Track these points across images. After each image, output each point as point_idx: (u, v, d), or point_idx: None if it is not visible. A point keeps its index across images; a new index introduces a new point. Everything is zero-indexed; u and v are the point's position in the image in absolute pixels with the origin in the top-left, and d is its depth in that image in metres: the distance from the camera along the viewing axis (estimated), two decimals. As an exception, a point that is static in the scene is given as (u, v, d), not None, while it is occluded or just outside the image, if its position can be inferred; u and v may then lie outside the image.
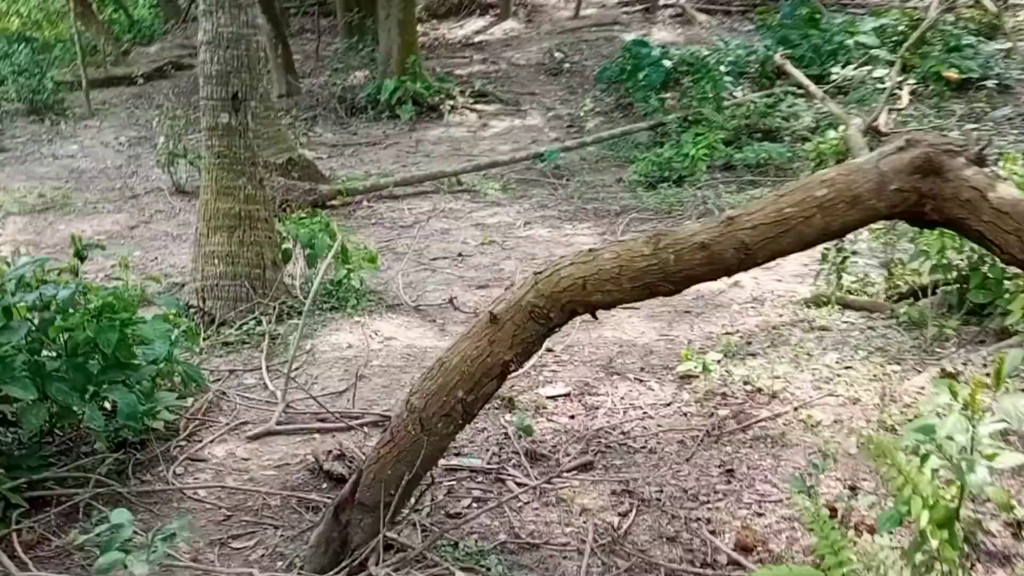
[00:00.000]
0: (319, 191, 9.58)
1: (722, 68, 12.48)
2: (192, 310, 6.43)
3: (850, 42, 12.87)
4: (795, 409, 5.14)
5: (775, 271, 7.48)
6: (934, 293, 6.16)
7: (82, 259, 4.73)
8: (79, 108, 12.91)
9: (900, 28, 12.95)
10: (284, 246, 6.97)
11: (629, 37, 15.64)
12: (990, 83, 11.78)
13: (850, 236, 6.41)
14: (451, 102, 13.13)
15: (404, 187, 10.23)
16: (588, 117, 12.71)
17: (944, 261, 5.91)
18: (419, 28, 14.40)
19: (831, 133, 9.91)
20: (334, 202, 9.73)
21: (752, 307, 6.71)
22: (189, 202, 9.67)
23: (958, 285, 5.98)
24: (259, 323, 6.32)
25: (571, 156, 11.24)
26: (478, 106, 13.28)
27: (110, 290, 4.59)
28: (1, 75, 12.96)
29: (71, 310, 4.30)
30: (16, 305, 4.21)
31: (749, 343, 6.06)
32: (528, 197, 10.16)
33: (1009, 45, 12.49)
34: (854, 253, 6.61)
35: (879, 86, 11.67)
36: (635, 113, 12.74)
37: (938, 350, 5.54)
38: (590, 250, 3.27)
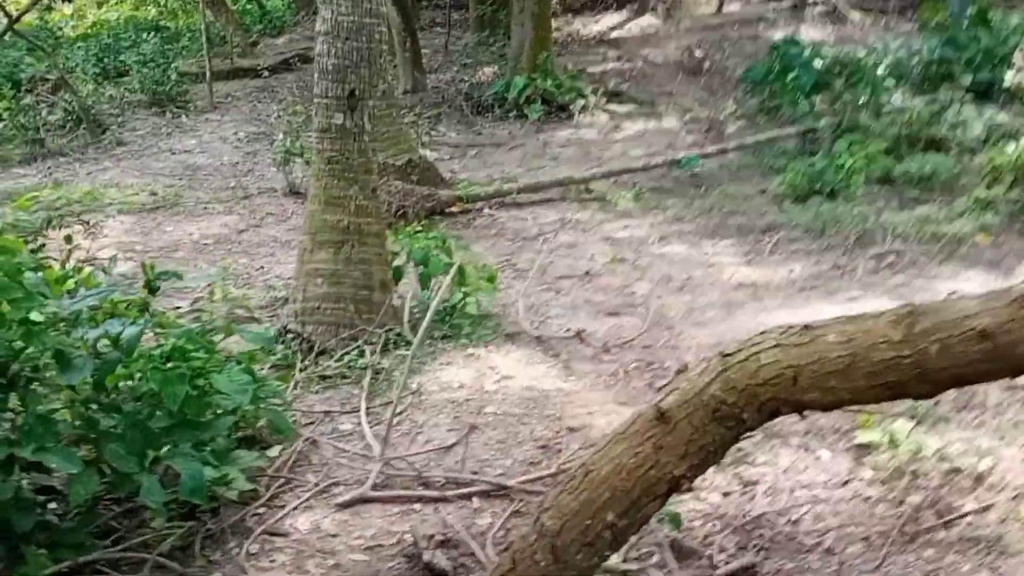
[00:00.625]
0: (438, 197, 8.80)
1: (880, 71, 11.17)
2: (290, 335, 5.71)
3: (1029, 43, 11.35)
4: (1012, 500, 4.08)
5: None
6: None
7: (153, 292, 3.99)
8: (201, 100, 12.52)
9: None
10: (395, 263, 6.18)
11: (775, 35, 14.38)
12: None
13: None
14: (582, 101, 12.18)
15: (529, 194, 9.36)
16: (729, 121, 11.58)
17: None
18: (553, 23, 13.48)
19: (1011, 146, 8.59)
20: (453, 209, 8.94)
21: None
22: (302, 205, 9.01)
23: None
24: (362, 354, 5.55)
25: (710, 163, 10.17)
26: (611, 106, 12.31)
27: (184, 330, 3.84)
28: (126, 65, 12.68)
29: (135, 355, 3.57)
30: (82, 340, 3.51)
31: (936, 403, 4.94)
32: (663, 208, 9.15)
33: None
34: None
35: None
36: (781, 118, 11.52)
37: None
38: (805, 327, 2.32)
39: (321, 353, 5.63)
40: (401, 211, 8.26)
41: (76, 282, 4.75)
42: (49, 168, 10.21)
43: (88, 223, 6.63)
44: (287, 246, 8.12)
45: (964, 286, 6.79)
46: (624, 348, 5.97)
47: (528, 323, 6.29)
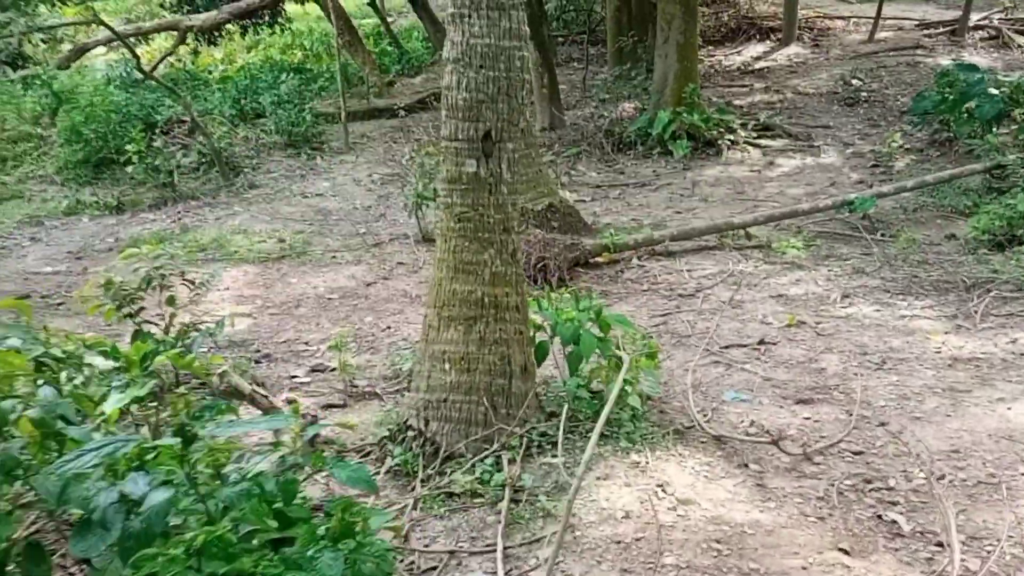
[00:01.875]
0: (582, 246, 7.30)
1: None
2: (411, 432, 4.29)
3: None
4: None
5: None
6: None
7: (189, 442, 2.56)
8: (336, 142, 11.42)
9: None
10: (538, 340, 4.69)
11: (934, 62, 12.35)
12: None
13: None
14: (730, 136, 10.49)
15: (681, 241, 7.75)
16: (897, 155, 9.67)
17: None
18: (695, 54, 11.84)
19: None
20: (599, 259, 7.42)
21: None
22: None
23: None
24: (498, 464, 4.07)
25: (883, 204, 8.31)
26: (762, 141, 10.58)
27: (246, 488, 2.42)
28: (263, 107, 11.71)
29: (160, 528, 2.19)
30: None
31: None
32: (838, 258, 7.38)
33: None
34: None
35: None
36: (956, 151, 9.58)
37: None
38: None
39: (448, 458, 4.19)
40: (541, 263, 6.79)
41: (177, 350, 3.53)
42: (179, 213, 9.23)
43: (193, 283, 5.40)
44: (417, 302, 6.79)
45: None
46: (830, 455, 4.31)
47: (699, 414, 4.69)
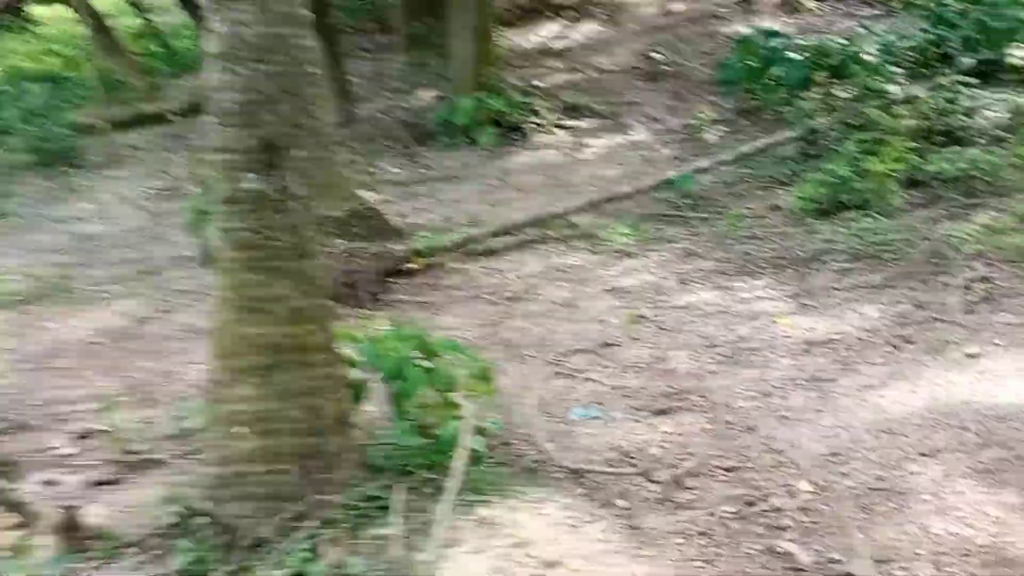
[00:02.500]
0: (392, 253, 6.55)
1: (871, 59, 9.23)
2: (202, 518, 3.40)
3: (1026, 15, 9.51)
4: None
5: None
6: None
7: None
8: (97, 156, 10.00)
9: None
10: (352, 375, 3.90)
11: (731, 30, 12.42)
12: None
13: None
14: (537, 120, 10.01)
15: (502, 238, 7.15)
16: (708, 127, 9.51)
17: None
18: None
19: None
20: (412, 265, 6.68)
21: None
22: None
23: None
24: (314, 550, 3.25)
25: (702, 179, 8.07)
26: (570, 123, 10.17)
27: None
28: (6, 124, 10.07)
29: None
30: None
31: None
32: (667, 240, 7.02)
33: None
34: None
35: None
36: (765, 120, 9.52)
37: None
38: None
39: (255, 547, 3.34)
40: (349, 280, 5.97)
41: None
42: (-102, 257, 7.66)
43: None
44: (204, 337, 5.78)
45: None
46: (702, 475, 3.81)
47: (549, 442, 4.08)
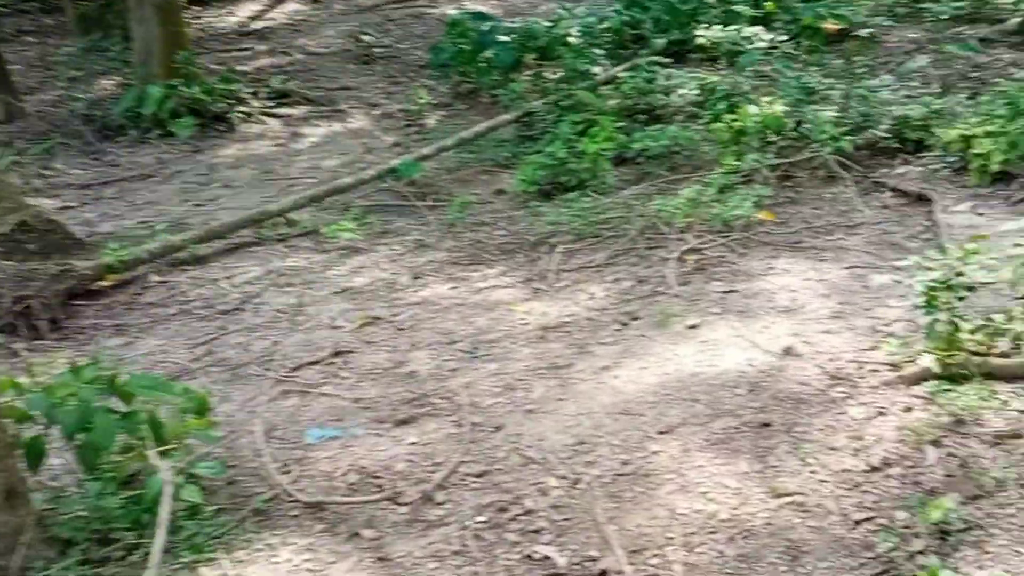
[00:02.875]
0: (76, 271, 5.81)
1: (575, 40, 9.58)
2: None
3: (710, -1, 10.31)
4: None
5: (797, 316, 4.72)
6: None
7: None
8: None
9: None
10: (25, 436, 3.34)
11: (440, 12, 12.47)
12: (863, 32, 9.59)
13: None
14: (243, 108, 9.44)
15: (212, 242, 6.62)
16: (426, 112, 9.43)
17: None
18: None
19: (752, 108, 7.23)
20: (103, 283, 6.00)
21: (848, 398, 3.88)
22: None
23: None
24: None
25: (425, 166, 7.94)
26: (280, 110, 9.68)
27: None
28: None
29: None
30: None
31: (936, 493, 3.24)
32: (396, 233, 6.84)
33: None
34: (970, 288, 3.86)
35: (757, 46, 9.08)
36: (482, 103, 9.61)
37: None
38: None
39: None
40: (22, 308, 5.22)
41: None
42: None
43: None
44: None
45: (786, 280, 5.26)
46: (452, 486, 3.67)
47: (282, 473, 3.77)
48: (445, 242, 6.57)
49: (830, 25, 9.84)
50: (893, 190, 6.44)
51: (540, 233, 6.51)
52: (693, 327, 4.86)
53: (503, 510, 3.50)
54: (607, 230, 6.40)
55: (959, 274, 3.75)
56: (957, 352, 3.72)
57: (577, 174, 7.23)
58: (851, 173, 6.65)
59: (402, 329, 5.27)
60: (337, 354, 5.00)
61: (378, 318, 5.43)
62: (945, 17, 9.73)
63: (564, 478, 3.66)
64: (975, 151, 6.28)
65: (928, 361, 3.73)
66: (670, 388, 4.24)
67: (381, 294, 5.78)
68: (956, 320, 3.76)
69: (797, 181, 6.83)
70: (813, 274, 5.31)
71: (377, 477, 3.76)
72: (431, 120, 9.33)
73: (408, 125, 9.28)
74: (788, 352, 4.32)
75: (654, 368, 4.47)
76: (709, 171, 6.98)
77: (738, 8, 9.95)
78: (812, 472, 3.43)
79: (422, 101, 9.41)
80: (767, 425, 3.78)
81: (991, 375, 3.67)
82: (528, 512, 3.48)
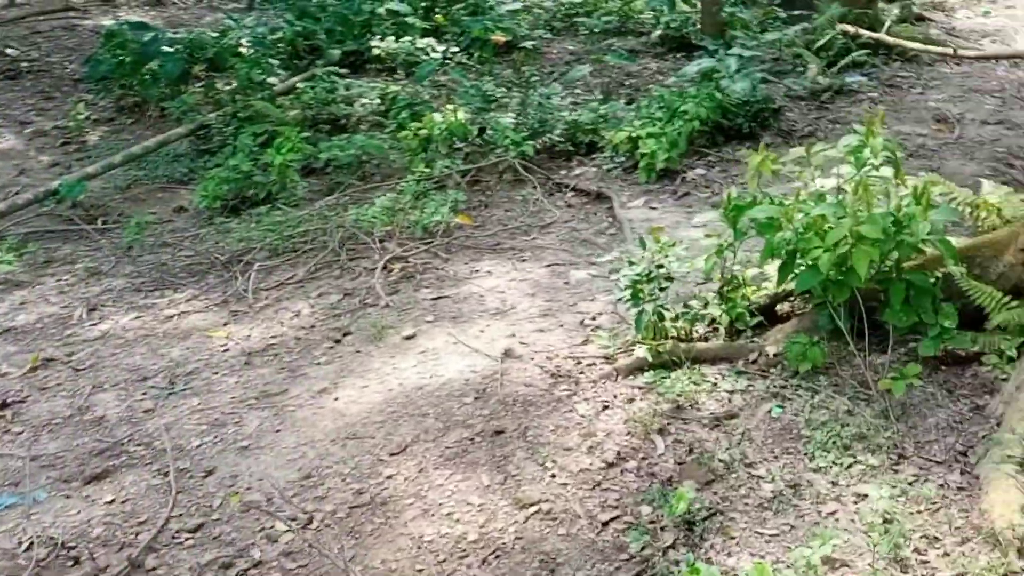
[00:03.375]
0: None
1: (246, 51, 8.97)
2: None
3: (381, 10, 10.13)
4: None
5: (509, 317, 4.65)
6: (787, 316, 3.93)
7: None
8: None
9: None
10: None
11: (94, 24, 11.16)
12: (528, 44, 9.97)
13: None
14: None
15: None
16: (87, 128, 8.32)
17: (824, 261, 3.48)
18: None
19: (437, 116, 7.15)
20: None
21: (573, 395, 3.82)
22: None
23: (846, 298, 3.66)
24: None
25: (92, 186, 6.97)
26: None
27: None
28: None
29: None
30: None
31: (673, 482, 3.24)
32: (62, 261, 5.90)
33: (520, 5, 10.78)
34: (669, 279, 3.99)
35: (433, 57, 9.09)
36: (150, 116, 8.67)
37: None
38: None
39: None
40: None
41: None
42: None
43: None
44: None
45: (493, 282, 5.17)
46: (164, 548, 3.08)
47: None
48: (123, 267, 5.75)
49: (498, 37, 10.02)
50: (574, 190, 6.58)
51: (231, 251, 5.91)
52: (409, 337, 4.58)
53: (228, 566, 2.99)
54: (305, 244, 5.94)
55: (659, 266, 3.79)
56: (665, 340, 3.76)
57: (265, 187, 6.70)
58: (535, 176, 6.72)
59: (81, 369, 4.48)
60: (4, 406, 4.12)
61: (51, 359, 4.59)
62: (597, 30, 10.30)
63: (293, 519, 3.21)
64: (641, 151, 6.59)
65: (641, 352, 3.72)
66: (396, 405, 3.91)
67: (52, 332, 4.91)
68: (661, 310, 3.80)
69: (487, 185, 6.79)
70: (516, 274, 5.23)
71: (71, 548, 3.08)
72: (93, 136, 8.26)
73: (66, 143, 8.12)
74: (508, 354, 4.17)
75: (375, 385, 4.12)
76: (400, 179, 6.73)
77: (410, 20, 9.88)
78: (552, 476, 3.27)
79: (80, 117, 8.30)
80: (500, 432, 3.58)
81: (697, 359, 3.75)
82: (257, 565, 3.01)
